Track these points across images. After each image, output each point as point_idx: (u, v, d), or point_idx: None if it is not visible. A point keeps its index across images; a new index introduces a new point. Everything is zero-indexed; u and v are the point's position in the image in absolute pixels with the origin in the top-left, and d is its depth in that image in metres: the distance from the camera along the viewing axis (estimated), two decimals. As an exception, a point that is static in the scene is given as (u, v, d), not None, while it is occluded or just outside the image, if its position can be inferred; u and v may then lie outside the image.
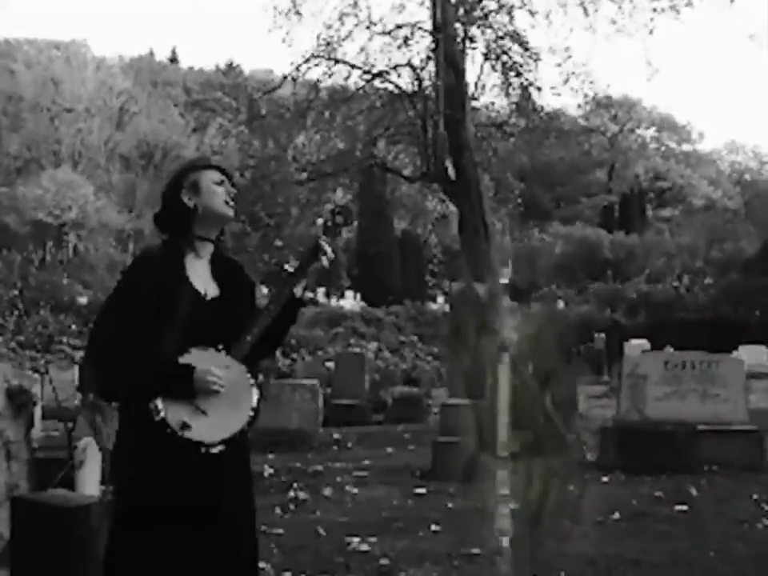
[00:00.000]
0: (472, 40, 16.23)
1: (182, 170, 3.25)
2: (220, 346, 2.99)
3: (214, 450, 2.90)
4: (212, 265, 3.16)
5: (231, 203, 3.16)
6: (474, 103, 16.68)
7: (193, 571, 2.93)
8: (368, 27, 16.23)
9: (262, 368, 3.15)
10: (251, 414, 2.99)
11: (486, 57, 16.37)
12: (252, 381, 3.02)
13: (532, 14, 16.20)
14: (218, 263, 3.17)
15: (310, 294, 3.26)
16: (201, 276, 3.10)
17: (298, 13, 16.47)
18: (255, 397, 3.01)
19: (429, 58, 15.89)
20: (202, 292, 3.07)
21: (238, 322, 3.04)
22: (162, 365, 2.90)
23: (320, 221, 3.27)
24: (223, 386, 2.92)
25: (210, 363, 2.93)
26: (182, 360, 2.92)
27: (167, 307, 2.95)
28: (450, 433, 9.70)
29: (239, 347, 3.00)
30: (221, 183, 3.17)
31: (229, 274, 3.19)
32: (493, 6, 16.27)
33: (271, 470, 9.70)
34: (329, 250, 3.17)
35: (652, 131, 61.94)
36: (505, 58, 16.42)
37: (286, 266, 3.19)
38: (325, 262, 3.16)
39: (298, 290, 3.16)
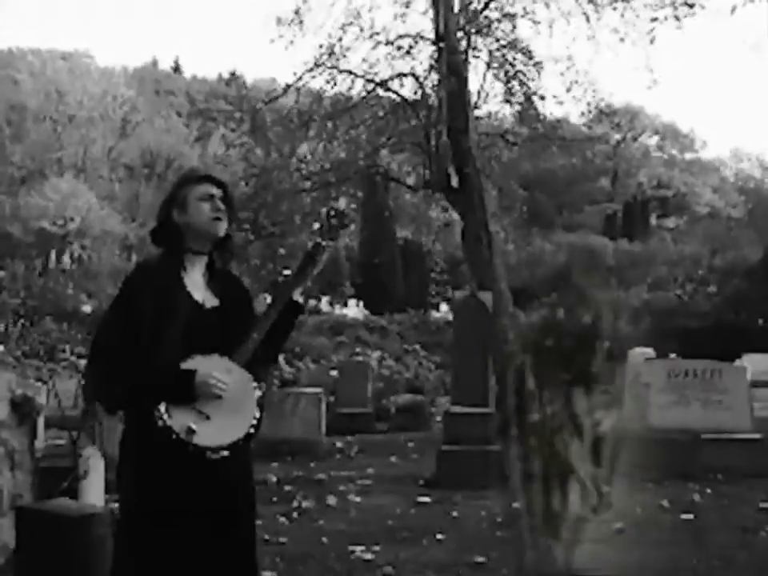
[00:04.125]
0: (475, 49, 16.25)
1: (175, 185, 3.27)
2: (221, 352, 3.01)
3: (220, 455, 2.92)
4: (208, 276, 3.19)
5: (219, 217, 3.17)
6: (477, 112, 16.69)
7: (195, 572, 2.95)
8: (371, 37, 16.26)
9: (263, 377, 3.15)
10: (255, 418, 3.00)
11: (489, 66, 16.40)
12: (255, 384, 3.04)
13: (535, 23, 16.23)
14: (213, 274, 3.20)
15: (312, 302, 3.30)
16: (198, 287, 3.14)
17: (300, 22, 16.51)
18: (258, 401, 3.03)
19: (432, 67, 15.89)
20: (200, 301, 3.10)
21: (237, 331, 3.07)
22: (163, 370, 2.92)
23: (316, 225, 3.28)
24: (225, 389, 2.94)
25: (212, 368, 2.95)
26: (184, 365, 2.94)
27: (167, 316, 2.97)
28: (454, 441, 9.70)
29: (241, 352, 3.02)
30: (209, 198, 3.17)
31: (225, 285, 3.22)
32: (495, 15, 16.30)
33: (275, 479, 9.70)
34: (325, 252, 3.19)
35: (655, 139, 61.99)
36: (507, 66, 16.45)
37: (285, 271, 3.21)
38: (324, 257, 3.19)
39: (296, 295, 3.18)
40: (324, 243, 3.19)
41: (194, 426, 2.89)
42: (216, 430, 2.93)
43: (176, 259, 3.13)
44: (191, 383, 2.92)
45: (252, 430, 3.00)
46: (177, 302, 3.02)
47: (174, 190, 3.23)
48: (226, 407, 2.95)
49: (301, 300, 3.21)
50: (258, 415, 3.01)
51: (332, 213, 3.25)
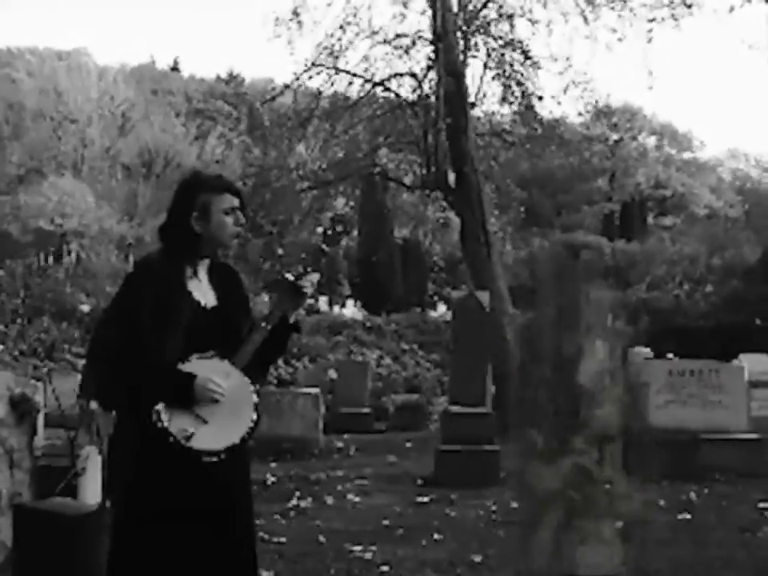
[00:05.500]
0: (473, 49, 16.26)
1: (194, 187, 3.19)
2: (221, 354, 3.01)
3: (216, 458, 2.92)
4: (209, 275, 3.18)
5: (238, 233, 3.18)
6: (475, 111, 16.70)
7: (192, 571, 2.94)
8: (369, 36, 16.28)
9: (260, 380, 3.16)
10: (252, 422, 3.01)
11: (487, 65, 16.41)
12: (253, 389, 3.05)
13: (533, 22, 16.24)
14: (215, 272, 3.19)
15: (310, 301, 3.32)
16: (199, 286, 3.13)
17: (299, 22, 16.51)
18: (256, 405, 3.03)
19: (430, 66, 15.90)
20: (202, 302, 3.09)
21: (237, 331, 3.08)
22: (162, 372, 2.92)
23: (320, 229, 3.31)
24: (224, 394, 2.94)
25: (211, 371, 2.95)
26: (183, 368, 2.94)
27: (167, 316, 2.96)
28: (452, 440, 9.71)
29: (240, 355, 3.02)
30: (232, 211, 3.15)
31: (226, 282, 3.21)
32: (493, 14, 16.30)
33: (273, 478, 9.71)
34: (308, 289, 3.19)
35: (653, 139, 61.87)
36: (505, 66, 16.45)
37: (287, 275, 3.21)
38: (309, 291, 3.19)
39: (291, 318, 3.21)
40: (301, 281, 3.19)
41: (191, 430, 2.89)
42: (213, 434, 2.93)
43: (184, 262, 3.12)
44: (190, 387, 2.92)
45: (248, 435, 3.00)
46: (178, 303, 3.01)
47: (191, 193, 3.15)
48: (223, 411, 2.96)
49: (300, 313, 3.23)
50: (255, 419, 3.02)
51: (337, 218, 3.29)
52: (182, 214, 3.13)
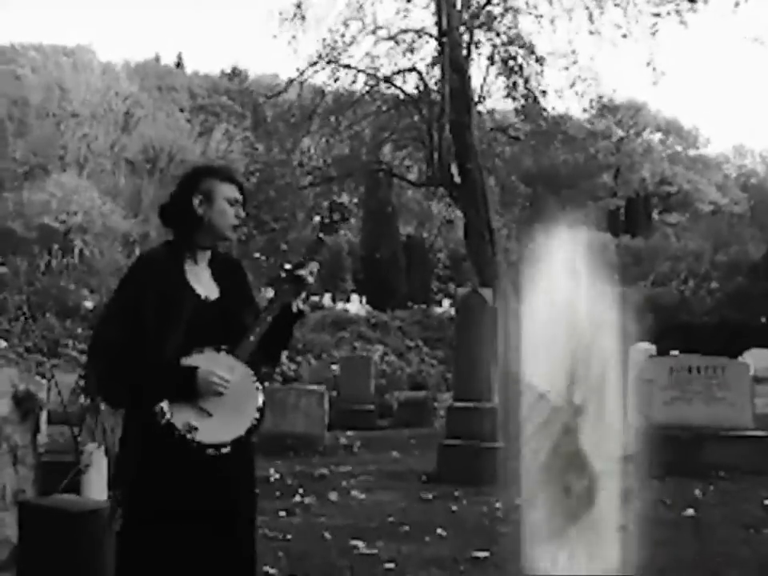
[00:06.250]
0: (477, 45, 16.24)
1: (200, 171, 3.22)
2: (224, 347, 3.00)
3: (221, 452, 2.91)
4: (211, 267, 3.17)
5: (239, 225, 3.18)
6: (480, 107, 16.68)
7: (194, 570, 2.94)
8: (373, 32, 16.28)
9: (261, 373, 3.14)
10: (257, 415, 3.00)
11: (492, 61, 16.39)
12: (257, 382, 3.03)
13: (537, 18, 16.22)
14: (216, 264, 3.19)
15: (314, 297, 3.28)
16: (201, 279, 3.12)
17: (303, 18, 16.52)
18: (260, 398, 3.02)
19: (434, 62, 15.90)
20: (203, 295, 3.08)
21: (240, 323, 3.06)
22: (164, 367, 2.91)
23: (317, 218, 3.29)
24: (227, 387, 2.93)
25: (214, 365, 2.94)
26: (186, 362, 2.92)
27: (168, 311, 2.96)
28: (457, 436, 9.70)
29: (243, 348, 3.01)
30: (234, 203, 3.16)
31: (227, 274, 3.20)
32: (498, 10, 16.29)
33: (277, 475, 9.71)
34: (309, 277, 3.17)
35: (658, 135, 61.82)
36: (510, 62, 16.43)
37: (286, 266, 3.19)
38: (310, 279, 3.16)
39: (294, 305, 3.18)
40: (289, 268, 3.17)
41: (195, 423, 2.88)
42: (218, 427, 2.92)
43: (179, 251, 3.12)
44: (193, 381, 2.90)
45: (253, 428, 2.99)
46: (179, 297, 3.00)
47: (197, 177, 3.17)
48: (227, 404, 2.94)
49: (302, 306, 3.20)
50: (259, 413, 3.01)
51: (334, 206, 3.25)
52: (185, 196, 3.13)
